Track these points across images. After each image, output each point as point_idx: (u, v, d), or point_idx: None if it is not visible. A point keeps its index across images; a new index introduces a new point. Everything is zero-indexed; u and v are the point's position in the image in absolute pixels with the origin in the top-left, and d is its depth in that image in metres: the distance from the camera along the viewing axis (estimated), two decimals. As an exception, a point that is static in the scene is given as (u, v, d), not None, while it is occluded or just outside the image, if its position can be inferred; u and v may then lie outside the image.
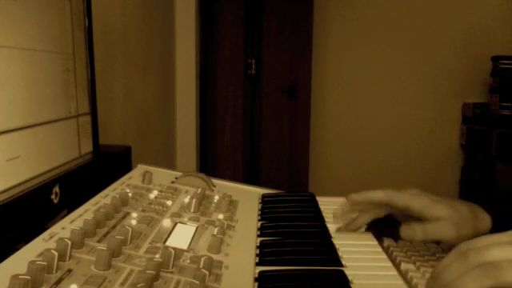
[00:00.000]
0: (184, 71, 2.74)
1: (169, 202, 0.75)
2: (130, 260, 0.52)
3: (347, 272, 0.58)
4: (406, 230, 0.67)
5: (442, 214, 0.67)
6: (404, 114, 3.24)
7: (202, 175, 0.90)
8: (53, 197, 0.74)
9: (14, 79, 0.65)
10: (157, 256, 0.54)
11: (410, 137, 3.24)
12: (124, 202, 0.70)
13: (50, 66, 0.76)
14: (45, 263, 0.45)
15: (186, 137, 2.79)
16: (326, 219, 0.79)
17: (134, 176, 0.87)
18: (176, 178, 0.90)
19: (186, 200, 0.77)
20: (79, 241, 0.53)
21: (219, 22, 2.98)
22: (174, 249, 0.54)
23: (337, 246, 0.66)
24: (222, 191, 0.87)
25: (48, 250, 0.47)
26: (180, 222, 0.68)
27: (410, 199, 0.70)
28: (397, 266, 0.63)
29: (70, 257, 0.49)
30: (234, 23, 2.98)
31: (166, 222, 0.66)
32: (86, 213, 0.65)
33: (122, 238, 0.55)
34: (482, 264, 0.45)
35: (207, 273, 0.50)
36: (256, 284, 0.55)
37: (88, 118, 0.92)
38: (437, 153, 3.25)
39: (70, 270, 0.47)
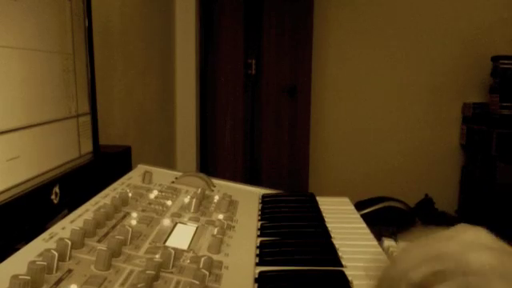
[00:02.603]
0: (184, 71, 2.74)
1: (169, 202, 0.75)
2: (130, 260, 0.52)
3: (347, 272, 0.58)
4: None
5: None
6: (404, 114, 3.24)
7: (202, 175, 0.90)
8: (53, 197, 0.74)
9: (14, 79, 0.65)
10: (157, 256, 0.54)
11: (409, 137, 3.24)
12: (124, 201, 0.70)
13: (50, 66, 0.76)
14: (45, 263, 0.45)
15: (186, 137, 2.79)
16: (325, 219, 0.79)
17: (134, 176, 0.87)
18: (176, 178, 0.90)
19: (186, 200, 0.77)
20: (79, 241, 0.52)
21: (219, 21, 2.98)
22: (174, 249, 0.54)
23: (337, 246, 0.66)
24: (222, 191, 0.87)
25: (48, 249, 0.47)
26: (180, 222, 0.67)
27: None
28: (397, 266, 0.63)
29: (70, 257, 0.49)
30: (233, 23, 2.98)
31: (166, 222, 0.66)
32: (86, 213, 0.65)
33: (122, 238, 0.55)
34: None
35: (207, 273, 0.50)
36: (256, 284, 0.55)
37: (88, 118, 0.92)
38: (437, 153, 3.25)
39: (70, 270, 0.47)
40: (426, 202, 3.07)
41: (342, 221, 0.80)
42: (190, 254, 0.57)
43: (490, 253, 0.44)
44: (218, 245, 0.60)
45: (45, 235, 0.56)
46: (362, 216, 0.83)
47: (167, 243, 0.60)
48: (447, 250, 0.44)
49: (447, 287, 0.42)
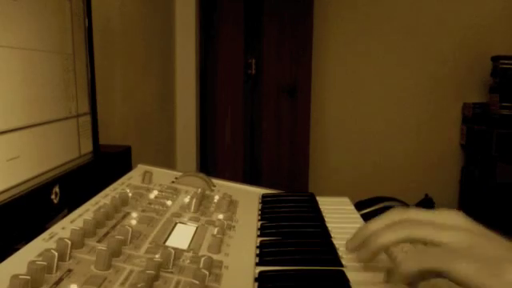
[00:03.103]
0: (184, 71, 2.74)
1: (169, 202, 0.75)
2: (130, 260, 0.52)
3: (347, 272, 0.58)
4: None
5: None
6: (404, 114, 3.24)
7: (202, 175, 0.90)
8: (53, 197, 0.74)
9: (14, 79, 0.65)
10: (157, 256, 0.54)
11: (410, 137, 3.24)
12: (124, 202, 0.70)
13: (50, 66, 0.76)
14: (45, 263, 0.45)
15: (186, 137, 2.79)
16: (326, 219, 0.79)
17: (134, 176, 0.87)
18: (176, 178, 0.90)
19: (186, 200, 0.77)
20: (79, 241, 0.52)
21: (219, 21, 2.98)
22: (174, 249, 0.54)
23: (337, 246, 0.66)
24: (222, 191, 0.87)
25: (48, 249, 0.47)
26: (180, 222, 0.67)
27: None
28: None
29: (70, 257, 0.49)
30: (233, 23, 2.98)
31: (166, 222, 0.66)
32: (86, 213, 0.65)
33: (122, 238, 0.55)
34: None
35: (207, 273, 0.50)
36: (256, 284, 0.55)
37: (88, 118, 0.92)
38: (437, 153, 3.25)
39: (70, 270, 0.47)
40: (426, 202, 3.07)
41: (342, 221, 0.80)
42: (190, 254, 0.57)
43: (464, 233, 0.45)
44: (218, 245, 0.60)
45: (45, 235, 0.56)
46: (362, 216, 0.83)
47: (167, 243, 0.60)
48: (424, 228, 0.50)
49: (411, 254, 0.46)
